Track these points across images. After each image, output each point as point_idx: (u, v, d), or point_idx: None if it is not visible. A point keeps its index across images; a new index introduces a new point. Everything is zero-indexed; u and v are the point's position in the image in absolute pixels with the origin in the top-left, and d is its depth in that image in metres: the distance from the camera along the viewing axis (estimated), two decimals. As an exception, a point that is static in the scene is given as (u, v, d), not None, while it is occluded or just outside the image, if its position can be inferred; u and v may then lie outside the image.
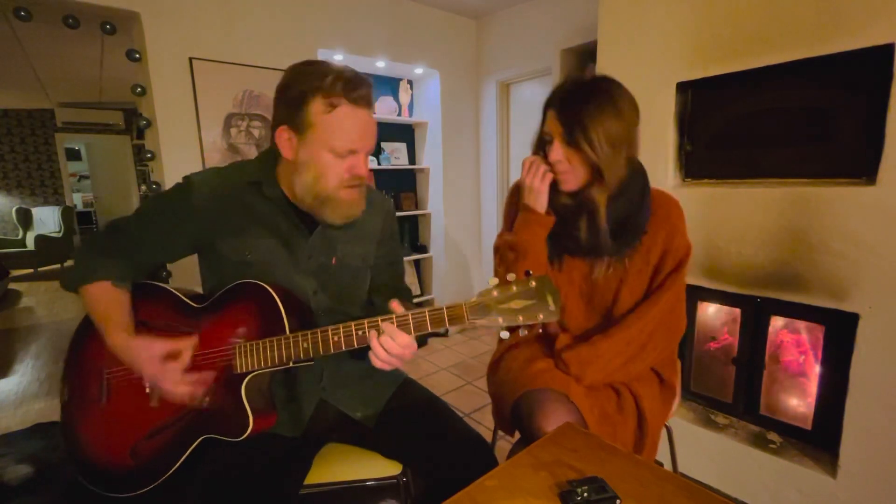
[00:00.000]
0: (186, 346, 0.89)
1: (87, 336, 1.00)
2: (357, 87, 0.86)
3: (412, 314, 0.83)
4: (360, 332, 0.85)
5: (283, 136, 0.90)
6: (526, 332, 0.79)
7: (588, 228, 1.02)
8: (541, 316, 0.77)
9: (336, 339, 0.85)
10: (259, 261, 0.95)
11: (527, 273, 0.79)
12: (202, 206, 0.93)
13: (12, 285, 5.38)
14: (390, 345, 0.82)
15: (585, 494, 0.65)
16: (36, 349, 3.36)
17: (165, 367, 0.86)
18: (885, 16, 1.25)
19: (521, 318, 0.78)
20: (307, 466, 0.98)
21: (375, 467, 1.01)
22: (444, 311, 0.81)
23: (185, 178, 0.96)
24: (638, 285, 1.06)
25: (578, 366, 1.03)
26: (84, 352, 1.00)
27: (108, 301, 0.92)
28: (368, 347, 0.85)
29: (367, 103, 0.89)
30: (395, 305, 0.86)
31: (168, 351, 0.87)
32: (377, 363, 0.85)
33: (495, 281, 0.80)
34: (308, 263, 0.98)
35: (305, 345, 0.86)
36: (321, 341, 0.86)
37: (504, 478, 0.73)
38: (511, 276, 0.79)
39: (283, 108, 0.89)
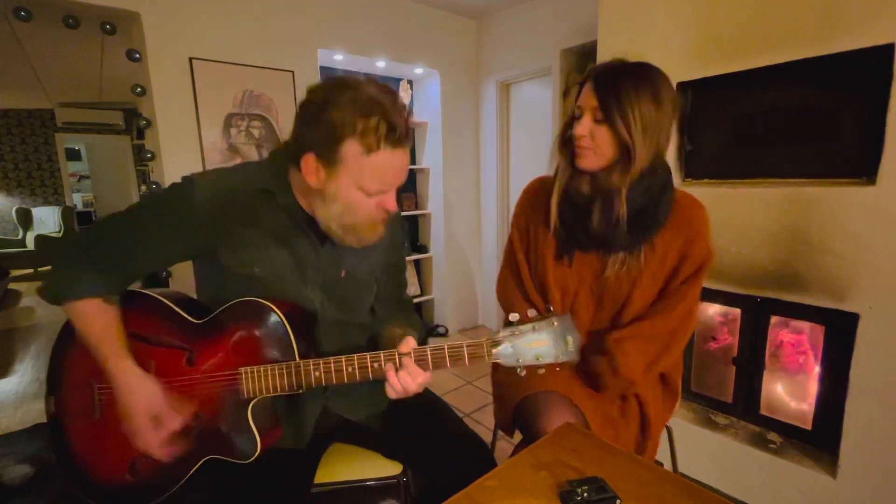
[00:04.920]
0: (184, 413, 0.83)
1: (71, 345, 0.90)
2: (398, 128, 0.77)
3: (430, 350, 0.81)
4: (375, 365, 0.82)
5: (311, 165, 0.80)
6: (543, 371, 0.79)
7: (602, 215, 0.97)
8: (560, 357, 0.78)
9: (350, 369, 0.83)
10: (267, 273, 0.88)
11: (548, 309, 0.79)
12: (205, 211, 0.84)
13: (12, 285, 5.37)
14: (407, 381, 0.81)
15: (585, 494, 0.65)
16: (36, 349, 3.35)
17: (155, 427, 0.81)
18: (885, 16, 1.25)
19: (539, 359, 0.78)
20: (313, 471, 0.97)
21: (376, 467, 1.01)
22: (465, 347, 0.80)
23: (186, 178, 0.86)
24: (650, 288, 1.02)
25: (638, 357, 0.99)
26: (70, 363, 0.91)
27: (103, 323, 0.84)
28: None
29: (407, 142, 0.81)
30: (411, 341, 0.83)
31: (168, 411, 0.82)
32: (392, 394, 0.83)
33: (516, 316, 0.79)
34: (316, 276, 0.93)
35: (318, 374, 0.83)
36: (334, 371, 0.83)
37: (504, 478, 0.73)
38: (532, 313, 0.79)
39: (310, 133, 0.79)
